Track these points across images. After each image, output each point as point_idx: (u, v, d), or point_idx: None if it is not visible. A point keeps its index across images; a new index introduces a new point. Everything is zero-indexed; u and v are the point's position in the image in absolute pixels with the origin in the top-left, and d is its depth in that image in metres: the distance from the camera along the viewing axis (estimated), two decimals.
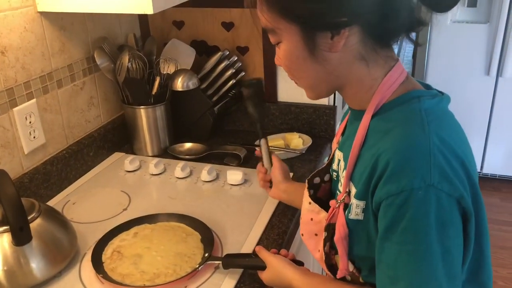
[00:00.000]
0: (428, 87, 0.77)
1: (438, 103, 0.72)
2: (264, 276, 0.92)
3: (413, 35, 0.74)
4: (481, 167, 3.16)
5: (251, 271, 0.97)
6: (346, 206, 0.74)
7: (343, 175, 0.78)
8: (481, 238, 0.70)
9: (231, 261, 0.97)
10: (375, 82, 0.73)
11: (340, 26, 0.68)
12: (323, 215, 0.81)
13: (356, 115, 0.78)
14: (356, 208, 0.71)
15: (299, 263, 0.92)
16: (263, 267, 0.92)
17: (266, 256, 0.92)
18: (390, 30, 0.71)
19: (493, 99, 2.94)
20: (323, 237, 0.79)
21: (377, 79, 0.73)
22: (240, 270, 0.97)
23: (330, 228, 0.78)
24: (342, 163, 0.81)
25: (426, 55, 2.92)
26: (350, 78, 0.74)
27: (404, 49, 6.09)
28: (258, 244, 1.06)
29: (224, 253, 1.01)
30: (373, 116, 0.73)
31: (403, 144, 0.65)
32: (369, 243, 0.72)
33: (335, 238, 0.75)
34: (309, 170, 1.37)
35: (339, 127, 0.90)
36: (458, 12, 2.78)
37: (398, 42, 0.73)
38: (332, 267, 0.81)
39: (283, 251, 0.95)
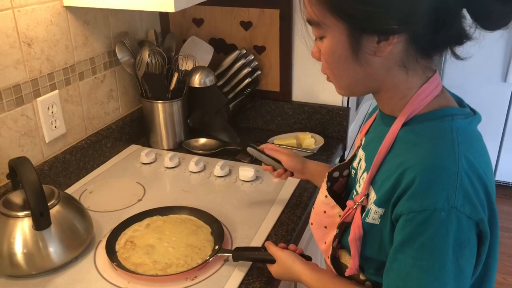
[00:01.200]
0: (461, 102, 0.77)
1: (470, 123, 0.72)
2: (273, 269, 0.95)
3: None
4: (494, 174, 3.14)
5: (259, 265, 1.00)
6: (363, 209, 0.76)
7: (362, 176, 0.80)
8: (490, 257, 0.71)
9: (241, 253, 1.00)
10: (411, 92, 0.73)
11: (390, 32, 0.67)
12: (337, 211, 0.83)
13: (385, 119, 0.78)
14: (374, 214, 0.73)
15: (308, 258, 0.95)
16: (272, 261, 0.95)
17: (275, 250, 0.94)
18: (437, 43, 0.70)
19: (509, 106, 2.92)
20: (334, 233, 0.81)
21: (412, 89, 0.73)
22: (249, 264, 1.01)
23: (342, 226, 0.80)
24: (363, 164, 0.83)
25: (442, 60, 2.91)
26: (387, 83, 0.74)
27: None
28: (267, 239, 1.09)
29: (234, 247, 1.04)
30: (402, 126, 0.73)
31: (432, 163, 0.66)
32: (381, 247, 0.73)
33: (350, 238, 0.76)
34: None
35: (364, 124, 0.91)
36: None
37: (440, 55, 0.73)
38: (334, 260, 0.84)
39: (292, 246, 0.98)
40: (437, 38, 0.69)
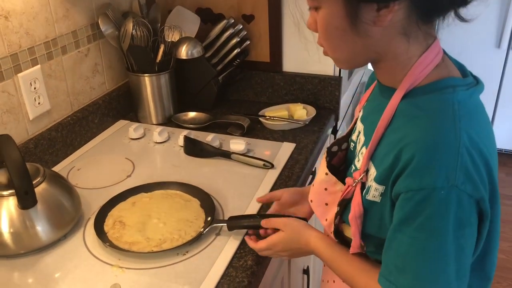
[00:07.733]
0: (463, 69, 0.73)
1: (472, 94, 0.68)
2: (274, 238, 0.90)
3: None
4: None
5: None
6: (363, 185, 0.74)
7: (361, 151, 0.77)
8: (491, 232, 0.69)
9: (236, 222, 0.98)
10: (411, 61, 0.69)
11: None
12: (339, 187, 0.80)
13: (384, 91, 0.75)
14: (375, 191, 0.70)
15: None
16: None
17: (278, 220, 0.91)
18: (441, 6, 0.65)
19: (502, 73, 2.90)
20: (335, 211, 0.79)
21: (413, 58, 0.69)
22: (241, 237, 0.99)
23: (343, 204, 0.78)
24: (361, 137, 0.79)
25: (435, 28, 2.86)
26: (387, 53, 0.70)
27: None
28: (258, 212, 1.08)
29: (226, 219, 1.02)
30: (402, 98, 0.70)
31: (432, 139, 0.63)
32: (381, 224, 0.71)
33: (350, 216, 0.74)
34: (312, 141, 1.38)
35: (364, 94, 0.87)
36: None
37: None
38: (338, 233, 0.82)
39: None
40: (442, 1, 0.65)
